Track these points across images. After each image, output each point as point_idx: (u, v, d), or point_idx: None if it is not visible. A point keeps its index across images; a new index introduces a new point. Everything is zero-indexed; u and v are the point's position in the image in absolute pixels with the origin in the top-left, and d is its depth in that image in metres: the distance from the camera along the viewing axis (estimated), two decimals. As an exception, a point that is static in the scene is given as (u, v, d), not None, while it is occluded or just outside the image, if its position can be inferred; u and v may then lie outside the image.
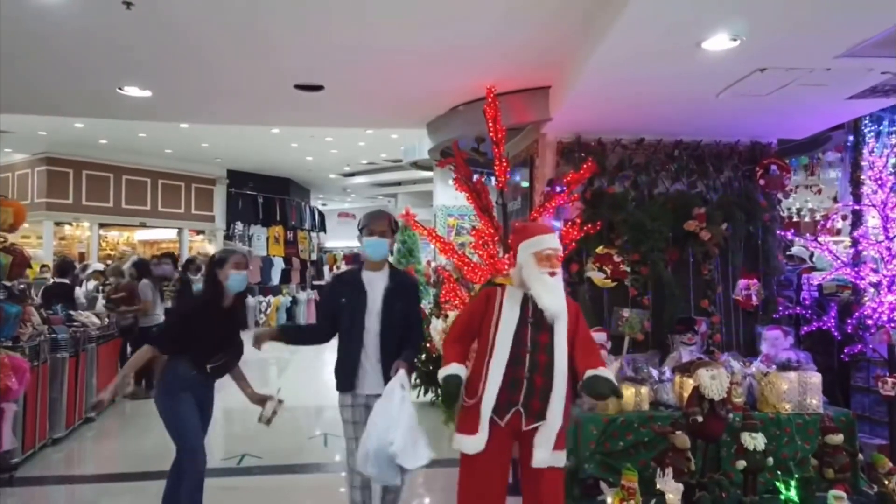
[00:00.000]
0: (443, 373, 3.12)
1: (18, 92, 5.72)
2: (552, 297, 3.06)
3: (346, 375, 3.50)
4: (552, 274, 3.09)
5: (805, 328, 5.39)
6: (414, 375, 3.31)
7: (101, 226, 15.39)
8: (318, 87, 5.37)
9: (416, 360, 4.02)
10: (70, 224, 15.48)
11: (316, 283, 18.69)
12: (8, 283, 5.86)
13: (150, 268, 8.53)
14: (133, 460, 5.63)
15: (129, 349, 8.10)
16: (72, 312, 6.70)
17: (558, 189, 4.96)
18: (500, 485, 3.14)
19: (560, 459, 3.11)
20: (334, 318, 3.55)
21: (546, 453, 3.04)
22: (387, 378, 3.37)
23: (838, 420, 4.44)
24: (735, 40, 3.54)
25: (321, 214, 20.92)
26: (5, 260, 5.02)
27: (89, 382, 6.58)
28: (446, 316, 5.86)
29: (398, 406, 3.15)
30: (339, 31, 4.21)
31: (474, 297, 3.88)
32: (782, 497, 4.18)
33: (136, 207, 15.25)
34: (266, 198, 17.39)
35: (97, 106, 6.43)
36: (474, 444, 3.05)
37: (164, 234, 17.22)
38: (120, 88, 5.52)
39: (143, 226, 15.93)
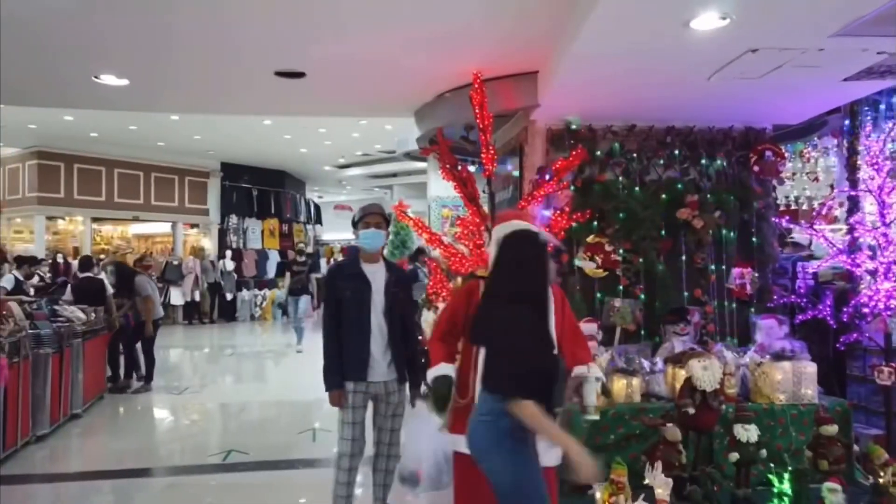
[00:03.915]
0: (432, 374, 3.03)
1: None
2: None
3: (357, 365, 3.59)
4: None
5: (800, 317, 5.29)
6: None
7: (94, 220, 15.27)
8: (300, 74, 5.24)
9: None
10: (63, 218, 15.36)
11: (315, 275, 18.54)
12: None
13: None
14: (118, 458, 5.51)
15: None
16: (56, 307, 6.59)
17: (547, 177, 4.84)
18: None
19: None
20: (339, 310, 3.64)
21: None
22: (397, 367, 3.65)
23: (833, 410, 4.35)
24: (725, 19, 3.40)
25: (317, 206, 20.77)
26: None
27: (75, 378, 6.48)
28: (436, 308, 5.77)
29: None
30: (318, 13, 4.08)
31: (456, 291, 3.78)
32: (776, 489, 4.08)
33: (129, 201, 15.13)
34: (261, 190, 17.27)
35: (72, 95, 6.28)
36: None
37: (158, 228, 17.09)
38: (96, 77, 5.38)
39: (136, 220, 15.82)
